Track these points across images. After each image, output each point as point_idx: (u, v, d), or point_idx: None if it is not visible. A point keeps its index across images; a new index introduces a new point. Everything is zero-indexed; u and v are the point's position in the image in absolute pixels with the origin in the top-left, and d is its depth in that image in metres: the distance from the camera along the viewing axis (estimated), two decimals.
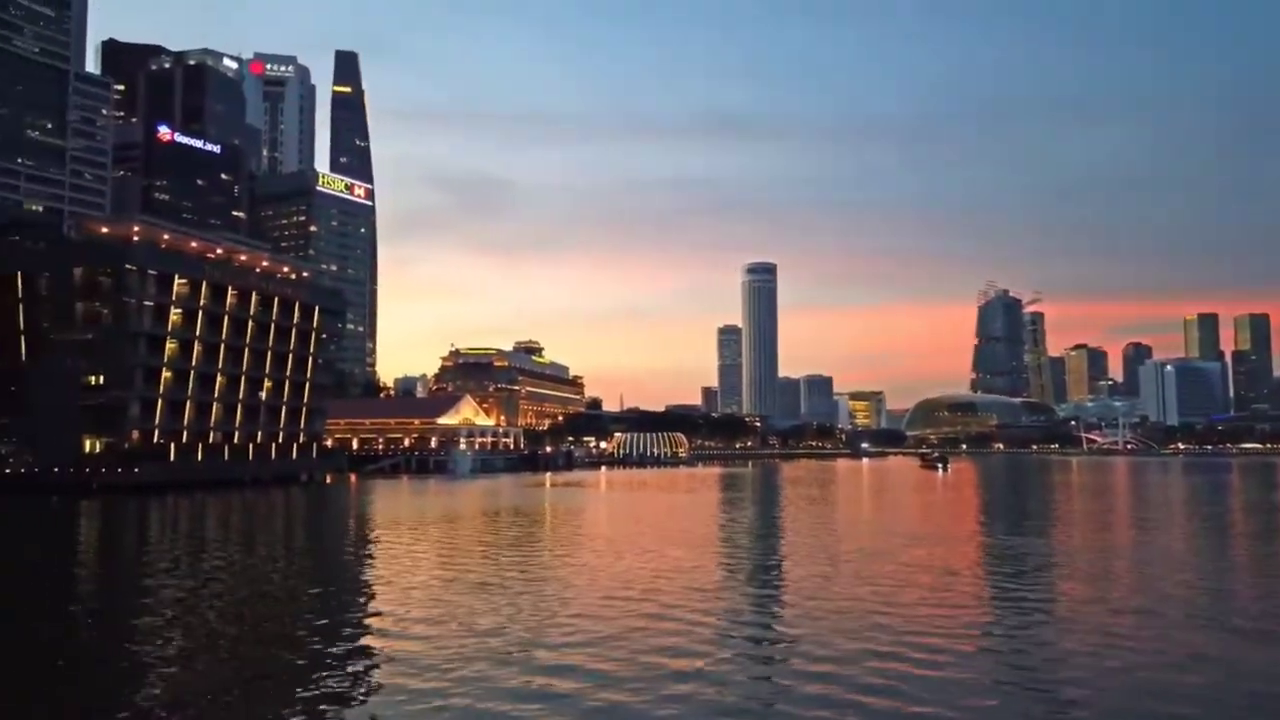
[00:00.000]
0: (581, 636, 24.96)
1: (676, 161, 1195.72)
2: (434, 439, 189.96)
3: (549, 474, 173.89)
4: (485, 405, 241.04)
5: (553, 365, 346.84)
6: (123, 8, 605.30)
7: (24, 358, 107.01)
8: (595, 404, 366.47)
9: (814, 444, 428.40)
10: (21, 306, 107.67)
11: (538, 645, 24.03)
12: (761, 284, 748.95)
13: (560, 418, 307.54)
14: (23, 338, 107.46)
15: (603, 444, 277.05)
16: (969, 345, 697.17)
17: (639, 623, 26.76)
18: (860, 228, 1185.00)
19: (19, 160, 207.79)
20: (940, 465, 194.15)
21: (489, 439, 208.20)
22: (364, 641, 25.61)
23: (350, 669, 22.21)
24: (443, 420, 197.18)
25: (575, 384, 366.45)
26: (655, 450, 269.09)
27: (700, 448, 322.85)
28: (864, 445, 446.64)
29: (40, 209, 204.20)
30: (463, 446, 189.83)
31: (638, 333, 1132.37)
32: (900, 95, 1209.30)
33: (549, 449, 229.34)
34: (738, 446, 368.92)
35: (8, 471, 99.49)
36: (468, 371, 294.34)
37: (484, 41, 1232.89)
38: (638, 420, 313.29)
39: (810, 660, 22.22)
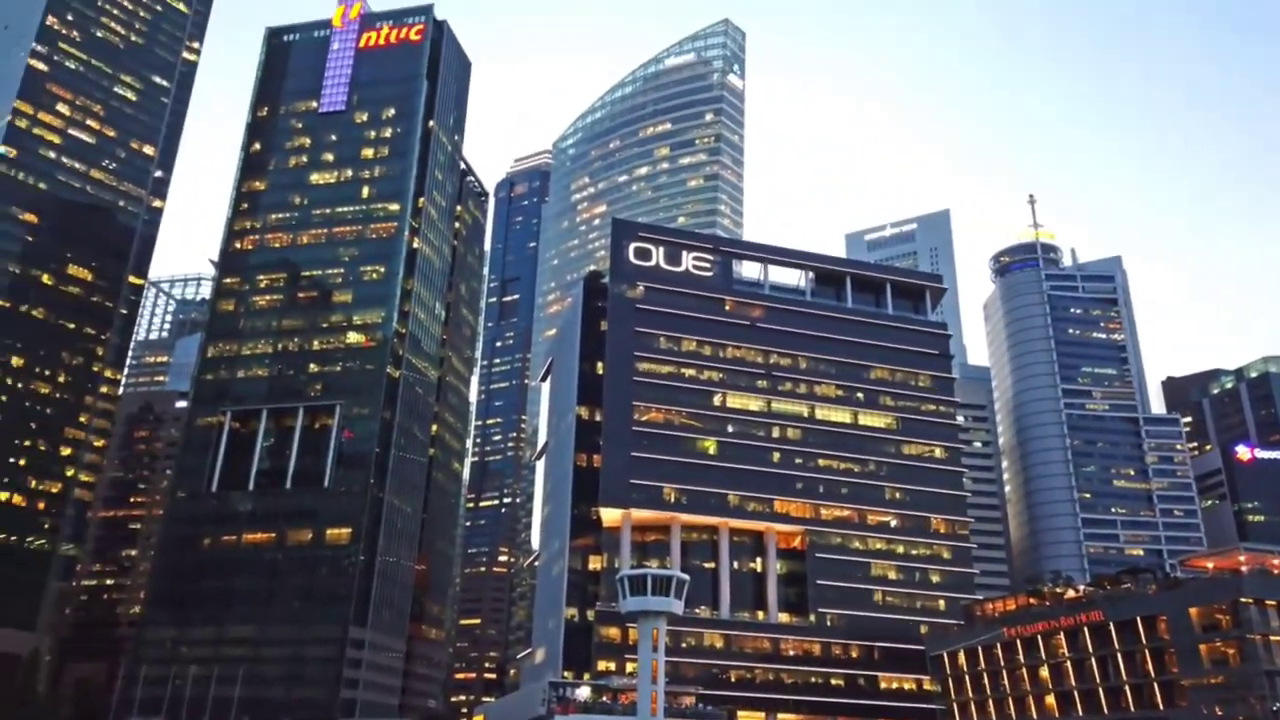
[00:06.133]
0: None
1: None
2: None
3: None
4: None
5: None
6: (1173, 347, 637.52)
7: (1160, 702, 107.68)
8: None
9: None
10: (1148, 651, 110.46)
11: None
12: None
13: None
14: (1155, 683, 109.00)
15: None
16: None
17: None
18: None
19: (1112, 510, 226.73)
20: None
21: None
22: None
23: None
24: None
25: None
26: None
27: None
28: None
29: (1141, 552, 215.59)
30: None
31: None
32: None
33: None
34: None
35: None
36: None
37: None
38: None
39: None
